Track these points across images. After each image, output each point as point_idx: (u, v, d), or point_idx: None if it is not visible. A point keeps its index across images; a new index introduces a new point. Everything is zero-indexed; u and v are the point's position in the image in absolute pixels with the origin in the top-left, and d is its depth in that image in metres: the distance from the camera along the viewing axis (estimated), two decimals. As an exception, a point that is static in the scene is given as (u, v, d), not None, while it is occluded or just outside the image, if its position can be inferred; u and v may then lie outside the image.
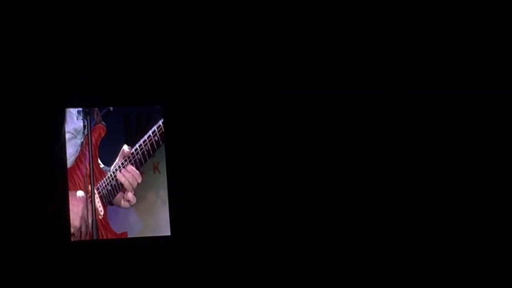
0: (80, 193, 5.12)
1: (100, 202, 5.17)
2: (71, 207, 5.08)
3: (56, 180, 5.04)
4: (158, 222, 5.16)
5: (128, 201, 5.20)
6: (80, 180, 5.16)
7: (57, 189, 5.03)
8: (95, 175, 5.18)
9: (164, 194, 5.19)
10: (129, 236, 5.16)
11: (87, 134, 5.19)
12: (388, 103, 5.25)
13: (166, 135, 5.20)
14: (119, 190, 5.20)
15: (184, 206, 5.14)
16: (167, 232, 5.12)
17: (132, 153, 5.22)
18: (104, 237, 5.13)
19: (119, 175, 5.20)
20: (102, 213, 5.16)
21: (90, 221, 5.09)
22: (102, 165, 5.22)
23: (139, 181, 5.22)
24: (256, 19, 5.21)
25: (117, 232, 5.16)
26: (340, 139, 5.28)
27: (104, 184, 5.20)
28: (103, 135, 5.26)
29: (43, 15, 5.04)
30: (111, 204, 5.18)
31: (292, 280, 5.07)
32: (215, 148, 5.21)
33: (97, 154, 5.22)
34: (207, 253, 5.06)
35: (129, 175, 5.20)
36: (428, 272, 5.12)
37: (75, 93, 5.12)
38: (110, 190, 5.20)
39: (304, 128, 5.29)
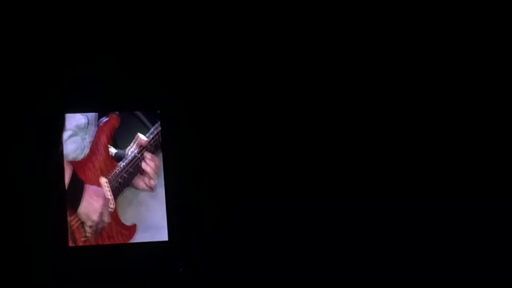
0: (99, 189, 5.16)
1: (111, 194, 5.21)
2: (91, 201, 5.11)
3: (54, 185, 5.05)
4: (156, 227, 5.14)
5: (151, 188, 5.20)
6: (95, 173, 5.18)
7: (54, 194, 5.06)
8: (107, 167, 5.20)
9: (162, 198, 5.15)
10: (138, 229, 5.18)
11: (97, 127, 5.18)
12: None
13: (163, 140, 5.14)
14: (137, 174, 5.20)
15: (182, 211, 5.09)
16: (165, 237, 5.11)
17: (150, 141, 5.20)
18: (114, 230, 5.18)
19: (143, 165, 5.19)
20: (112, 205, 5.22)
21: (105, 213, 5.14)
22: (116, 150, 5.21)
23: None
24: (255, 19, 5.08)
25: (127, 225, 5.20)
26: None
27: (117, 175, 5.21)
28: (117, 126, 5.23)
29: (43, 19, 5.00)
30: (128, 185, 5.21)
31: (291, 282, 5.01)
32: (213, 153, 5.13)
33: (109, 144, 5.20)
34: (205, 258, 5.04)
35: (152, 164, 5.19)
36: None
37: (74, 98, 5.07)
38: (126, 177, 5.20)
39: (304, 130, 5.19)
